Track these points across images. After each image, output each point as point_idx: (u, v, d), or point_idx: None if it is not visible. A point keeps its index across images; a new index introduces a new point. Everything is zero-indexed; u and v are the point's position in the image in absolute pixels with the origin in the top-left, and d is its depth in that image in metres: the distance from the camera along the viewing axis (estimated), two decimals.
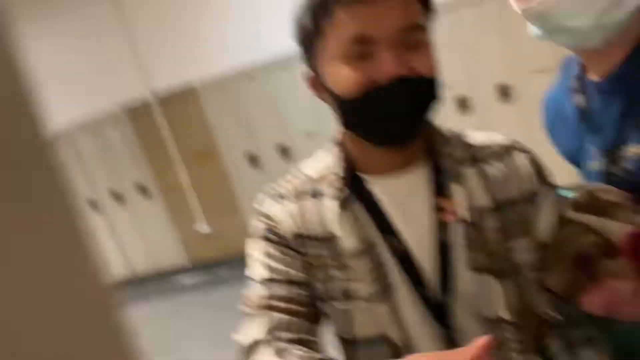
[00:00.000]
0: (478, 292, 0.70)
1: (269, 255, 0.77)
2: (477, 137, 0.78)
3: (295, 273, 0.75)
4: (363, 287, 0.72)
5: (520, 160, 0.75)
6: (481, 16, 3.42)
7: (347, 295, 0.73)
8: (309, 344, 0.71)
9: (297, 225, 0.76)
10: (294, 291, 0.74)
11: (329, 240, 0.74)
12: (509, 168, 0.74)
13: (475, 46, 3.43)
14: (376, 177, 0.75)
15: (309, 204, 0.77)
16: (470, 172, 0.74)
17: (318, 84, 0.73)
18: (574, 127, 0.73)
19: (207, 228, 4.47)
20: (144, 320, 3.85)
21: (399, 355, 0.69)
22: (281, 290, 0.74)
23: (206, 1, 3.95)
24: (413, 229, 0.73)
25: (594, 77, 0.68)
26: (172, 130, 4.30)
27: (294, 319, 0.72)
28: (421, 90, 0.67)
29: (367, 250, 0.72)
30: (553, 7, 0.59)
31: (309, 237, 0.75)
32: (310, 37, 0.70)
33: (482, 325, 0.70)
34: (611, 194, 0.60)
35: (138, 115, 4.33)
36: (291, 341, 0.70)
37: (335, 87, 0.68)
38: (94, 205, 4.64)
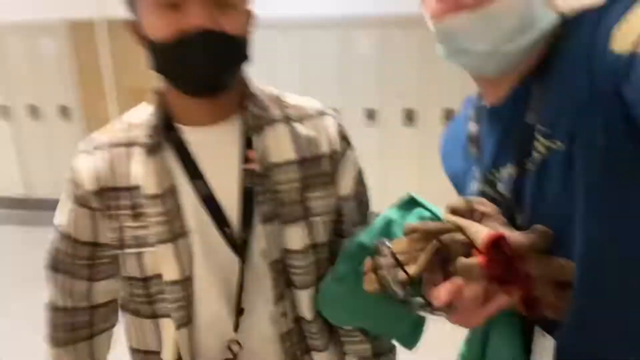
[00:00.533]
0: (270, 235, 0.80)
1: (70, 211, 0.83)
2: (295, 100, 0.89)
3: (83, 232, 0.83)
4: (154, 230, 0.78)
5: (329, 123, 0.87)
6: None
7: (138, 242, 0.79)
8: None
9: (101, 178, 0.80)
10: (76, 251, 0.84)
11: (132, 189, 0.79)
12: (318, 129, 0.86)
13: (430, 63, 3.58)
14: (191, 128, 0.81)
15: (121, 152, 0.81)
16: (281, 128, 0.83)
17: (137, 30, 0.76)
18: (464, 153, 0.76)
19: None
20: (34, 244, 3.63)
21: (186, 292, 0.80)
22: (70, 247, 0.84)
23: None
24: (222, 176, 0.80)
25: (487, 103, 0.71)
26: (113, 58, 4.06)
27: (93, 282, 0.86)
28: (227, 46, 0.73)
29: (165, 194, 0.78)
30: (457, 28, 0.61)
31: (113, 189, 0.80)
32: None
33: (273, 271, 0.81)
34: (486, 205, 0.63)
35: (80, 33, 4.04)
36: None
37: (148, 33, 0.73)
38: (5, 112, 4.28)
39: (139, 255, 0.80)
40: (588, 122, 0.54)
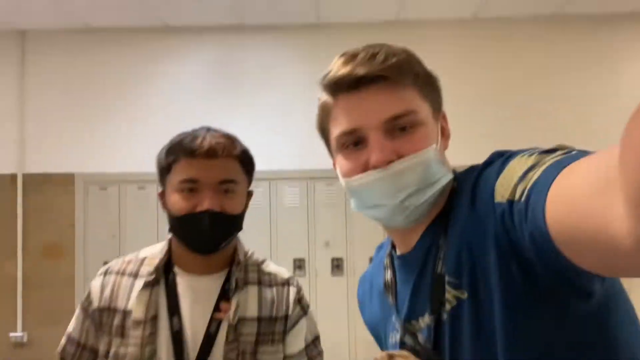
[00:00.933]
0: None
1: (77, 319, 1.08)
2: (271, 268, 1.14)
3: (88, 339, 1.05)
4: (131, 350, 0.98)
5: (290, 292, 1.10)
6: None
7: (117, 357, 0.99)
8: None
9: (103, 298, 1.04)
10: (85, 354, 1.06)
11: (125, 312, 1.02)
12: (279, 295, 1.08)
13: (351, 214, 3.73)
14: (185, 273, 1.07)
15: (125, 280, 1.05)
16: (252, 289, 1.07)
17: (162, 199, 1.08)
18: (382, 302, 0.79)
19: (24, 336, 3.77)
20: None
21: None
22: (74, 349, 1.06)
23: (112, 105, 3.94)
24: (196, 318, 1.02)
25: (400, 252, 0.76)
26: (27, 214, 3.85)
27: None
28: (225, 222, 1.01)
29: (148, 321, 0.99)
30: (365, 186, 0.68)
31: (111, 309, 1.03)
32: (163, 171, 1.06)
33: None
34: (408, 358, 0.65)
35: None
36: None
37: (170, 206, 1.03)
38: None
39: None
40: (483, 263, 0.59)
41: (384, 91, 0.67)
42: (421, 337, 0.68)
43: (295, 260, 3.79)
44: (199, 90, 3.96)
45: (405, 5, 3.71)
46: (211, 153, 0.99)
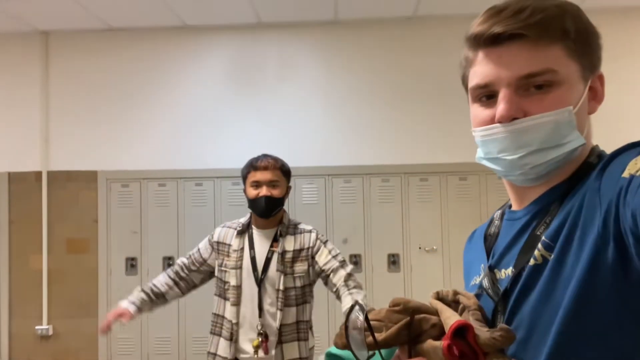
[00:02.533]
0: (278, 278, 2.01)
1: (202, 243, 2.17)
2: (301, 226, 2.11)
3: (203, 252, 2.14)
4: (230, 264, 2.05)
5: (312, 235, 2.07)
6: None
7: (223, 269, 2.06)
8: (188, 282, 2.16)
9: (220, 236, 2.12)
10: (198, 257, 2.15)
11: (229, 245, 2.08)
12: (305, 237, 2.07)
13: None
14: (257, 229, 2.10)
15: (231, 231, 2.11)
16: (290, 236, 2.07)
17: (245, 191, 2.09)
18: (478, 248, 0.81)
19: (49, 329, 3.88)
20: None
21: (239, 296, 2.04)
22: (193, 255, 2.17)
23: (134, 104, 4.01)
24: (262, 250, 2.05)
25: (513, 208, 0.77)
26: (51, 209, 3.95)
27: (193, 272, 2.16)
28: (274, 202, 2.02)
29: (239, 251, 2.05)
30: (490, 138, 0.69)
31: (223, 243, 2.10)
32: (243, 177, 2.10)
33: (275, 293, 2.00)
34: (469, 299, 0.66)
35: (21, 184, 3.97)
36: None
37: (247, 195, 2.07)
38: None
39: (223, 271, 2.06)
40: (583, 235, 0.58)
41: (523, 48, 0.66)
42: (496, 286, 0.69)
43: None
44: (218, 88, 4.00)
45: (423, 1, 3.69)
46: (264, 166, 2.03)
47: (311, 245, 2.03)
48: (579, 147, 0.67)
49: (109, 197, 3.92)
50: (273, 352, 1.97)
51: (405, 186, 3.85)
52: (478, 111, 0.72)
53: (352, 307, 0.63)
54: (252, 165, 2.03)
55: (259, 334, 1.96)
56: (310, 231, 2.07)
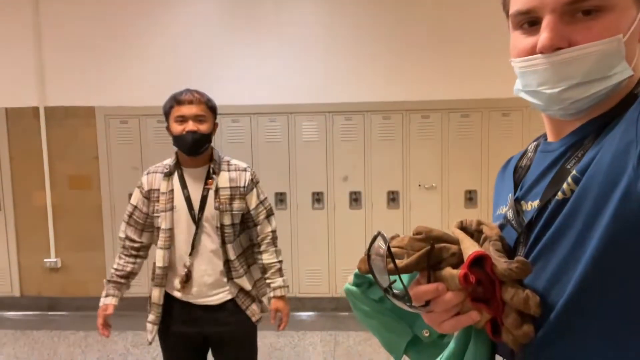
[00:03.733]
0: (215, 215, 1.93)
1: (134, 198, 2.01)
2: (233, 161, 2.03)
3: (141, 206, 1.99)
4: (160, 207, 1.93)
5: (247, 174, 2.00)
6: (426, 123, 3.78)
7: (155, 215, 1.95)
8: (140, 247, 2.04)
9: (148, 184, 1.98)
10: (140, 215, 2.00)
11: (157, 190, 1.95)
12: (239, 176, 1.98)
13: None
14: (186, 168, 1.97)
15: (158, 175, 1.97)
16: (224, 173, 1.97)
17: (168, 129, 1.95)
18: (508, 178, 0.78)
19: (57, 262, 4.00)
20: None
21: (173, 236, 1.95)
22: (133, 217, 2.01)
23: (130, 40, 3.89)
24: (196, 189, 1.95)
25: (549, 139, 0.73)
26: (51, 146, 3.94)
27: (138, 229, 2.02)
28: (201, 138, 1.89)
29: (167, 193, 1.93)
30: (530, 69, 0.64)
31: (153, 190, 1.96)
32: (166, 113, 1.95)
33: (214, 231, 1.95)
34: (493, 230, 0.66)
35: (19, 120, 3.94)
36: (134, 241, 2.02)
37: (172, 132, 1.92)
38: None
39: (155, 217, 1.96)
40: (614, 177, 0.55)
41: None
42: (521, 217, 0.68)
43: (313, 194, 3.86)
44: (215, 25, 3.86)
45: None
46: (189, 100, 1.90)
47: (246, 184, 1.96)
48: (625, 79, 0.62)
49: (108, 134, 3.90)
50: (194, 290, 1.94)
51: (407, 124, 3.81)
52: (518, 40, 0.66)
53: (375, 236, 0.63)
54: (176, 99, 1.88)
55: (184, 274, 1.91)
56: (245, 169, 1.99)
